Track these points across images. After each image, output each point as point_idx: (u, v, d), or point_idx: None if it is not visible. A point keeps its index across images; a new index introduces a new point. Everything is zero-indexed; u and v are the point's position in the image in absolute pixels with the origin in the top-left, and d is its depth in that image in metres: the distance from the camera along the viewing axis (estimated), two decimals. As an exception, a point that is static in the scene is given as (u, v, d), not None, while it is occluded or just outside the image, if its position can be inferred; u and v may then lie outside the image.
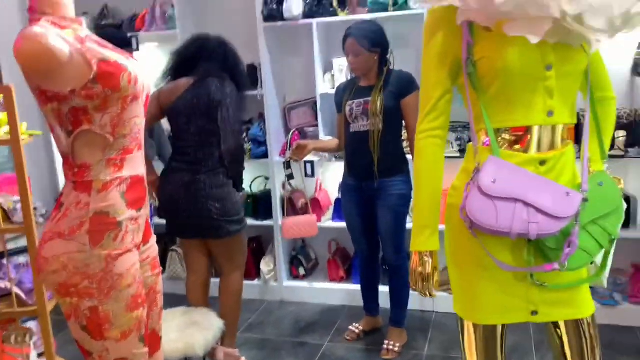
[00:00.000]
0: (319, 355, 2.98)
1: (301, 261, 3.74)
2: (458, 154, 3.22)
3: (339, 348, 3.06)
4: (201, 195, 2.48)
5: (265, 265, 3.71)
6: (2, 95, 1.91)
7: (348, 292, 3.58)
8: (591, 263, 1.43)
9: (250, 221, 3.34)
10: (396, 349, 2.94)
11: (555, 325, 1.43)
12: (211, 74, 2.51)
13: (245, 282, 3.55)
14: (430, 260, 1.43)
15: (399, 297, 3.00)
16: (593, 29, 1.24)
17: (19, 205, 1.95)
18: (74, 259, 1.38)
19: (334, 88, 3.40)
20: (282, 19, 3.31)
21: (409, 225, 2.95)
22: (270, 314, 3.52)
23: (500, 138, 1.36)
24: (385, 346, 2.96)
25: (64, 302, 1.42)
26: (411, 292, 3.18)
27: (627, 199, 3.10)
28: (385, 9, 3.16)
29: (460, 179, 1.42)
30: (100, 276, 1.39)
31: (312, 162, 3.43)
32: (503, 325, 1.46)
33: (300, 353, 3.00)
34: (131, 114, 1.44)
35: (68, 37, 1.33)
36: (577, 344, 1.41)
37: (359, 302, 3.41)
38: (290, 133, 3.49)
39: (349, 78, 3.11)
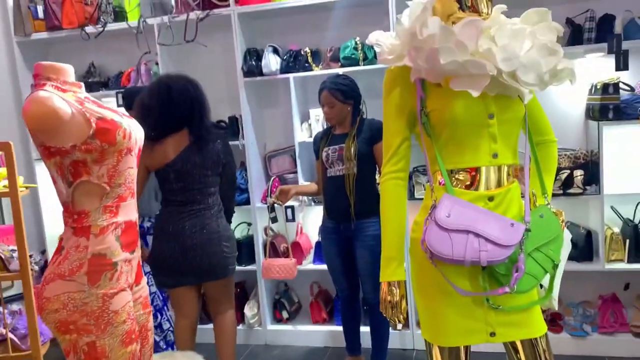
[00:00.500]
0: (304, 396, 3.06)
1: (284, 304, 3.84)
2: (430, 196, 3.42)
3: (323, 388, 3.15)
4: (216, 237, 2.66)
5: (249, 310, 3.81)
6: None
7: (331, 333, 3.68)
8: (541, 287, 1.60)
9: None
10: (379, 386, 3.04)
11: (513, 346, 1.59)
12: (209, 133, 2.67)
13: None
14: (398, 290, 1.59)
15: (380, 335, 3.12)
16: (526, 83, 1.46)
17: (15, 254, 2.07)
18: (73, 298, 1.51)
19: (311, 137, 3.62)
20: (261, 74, 3.54)
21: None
22: (256, 358, 3.60)
23: (453, 178, 1.54)
24: (368, 384, 3.06)
25: (64, 339, 1.54)
26: (392, 330, 3.31)
27: (589, 233, 3.31)
28: (357, 64, 3.41)
29: (421, 215, 1.60)
30: (97, 313, 1.52)
31: (292, 207, 3.59)
32: (466, 348, 1.61)
33: (285, 394, 3.08)
34: (125, 165, 1.60)
35: (69, 99, 1.51)
36: None
37: (342, 342, 3.50)
38: (271, 180, 3.67)
39: (325, 127, 3.31)
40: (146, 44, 3.71)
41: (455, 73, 1.46)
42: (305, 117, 3.70)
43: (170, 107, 2.56)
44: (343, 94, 2.90)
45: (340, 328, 3.54)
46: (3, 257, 2.06)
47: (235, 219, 3.78)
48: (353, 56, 3.40)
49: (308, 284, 3.90)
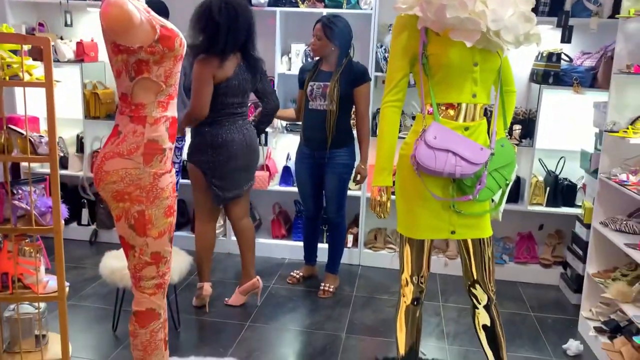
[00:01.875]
0: (266, 295, 3.52)
1: (247, 220, 4.24)
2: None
3: (283, 290, 3.62)
4: (256, 149, 3.15)
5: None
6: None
7: (288, 247, 4.14)
8: (492, 201, 2.09)
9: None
10: (331, 289, 3.55)
11: (465, 244, 2.08)
12: (251, 52, 3.00)
13: (191, 235, 4.01)
14: (385, 193, 2.03)
15: (336, 249, 3.61)
16: (506, 41, 1.89)
17: (43, 139, 2.32)
18: (130, 173, 1.83)
19: (290, 69, 3.95)
20: (250, 3, 3.77)
21: (348, 192, 3.58)
22: (219, 263, 4.00)
23: (440, 109, 1.97)
24: (322, 288, 3.56)
25: (117, 207, 1.87)
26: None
27: (518, 179, 3.90)
28: (340, 6, 3.74)
29: (410, 137, 2.03)
30: (148, 187, 1.86)
31: (266, 132, 3.93)
32: (430, 241, 2.09)
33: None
34: (177, 69, 1.90)
35: (139, 6, 1.78)
36: (479, 256, 2.07)
37: (298, 255, 3.99)
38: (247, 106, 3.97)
39: (314, 60, 3.56)
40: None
41: (455, 26, 1.86)
42: (286, 51, 4.00)
43: (237, 27, 2.84)
44: (331, 32, 3.22)
45: (297, 243, 4.06)
46: (32, 141, 2.30)
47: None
48: (337, -1, 3.71)
49: (270, 203, 4.31)
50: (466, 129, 1.96)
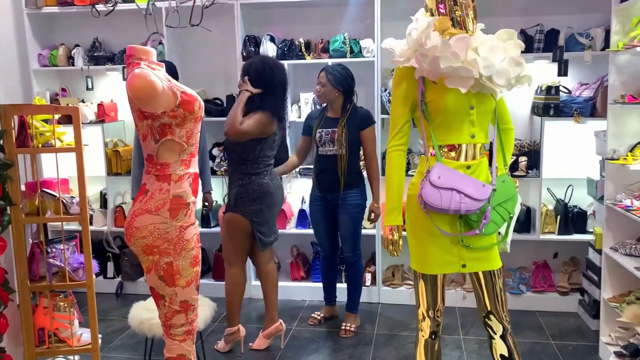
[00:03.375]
0: (289, 337, 3.60)
1: (266, 264, 4.35)
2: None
3: (305, 331, 3.70)
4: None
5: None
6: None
7: (308, 289, 4.24)
8: (499, 234, 2.20)
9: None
10: (352, 329, 3.63)
11: (477, 276, 2.18)
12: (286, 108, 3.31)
13: (218, 282, 4.16)
14: (397, 232, 2.15)
15: (355, 288, 3.70)
16: (498, 85, 2.04)
17: (74, 200, 2.50)
18: (158, 228, 1.98)
19: (300, 117, 4.13)
20: (259, 58, 4.01)
21: (363, 231, 3.70)
22: (242, 308, 4.09)
23: (442, 151, 2.11)
24: (343, 327, 3.64)
25: (147, 260, 2.02)
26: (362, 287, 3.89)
27: (528, 209, 4.00)
28: (344, 56, 3.94)
29: (417, 178, 2.16)
30: (175, 240, 2.00)
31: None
32: (443, 276, 2.19)
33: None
34: (197, 129, 2.08)
35: (160, 75, 1.97)
36: (491, 287, 2.16)
37: (318, 296, 4.08)
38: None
39: (319, 107, 3.78)
40: (154, 25, 4.09)
41: (449, 74, 2.02)
42: (295, 100, 4.21)
43: (285, 89, 3.17)
44: (335, 79, 3.41)
45: (317, 285, 4.15)
46: (65, 202, 2.47)
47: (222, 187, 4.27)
48: (341, 49, 3.92)
49: (289, 246, 4.43)
50: (468, 167, 2.09)
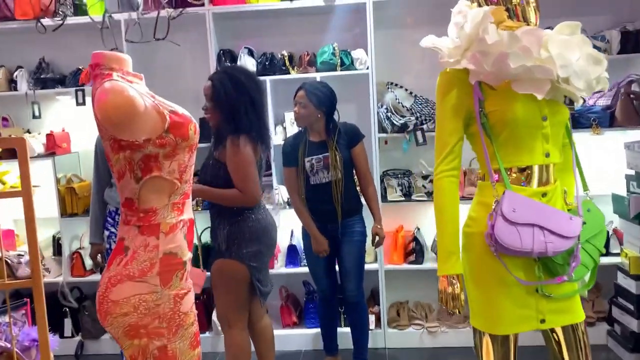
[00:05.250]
0: (289, 399, 3.05)
1: (252, 309, 3.79)
2: (402, 198, 3.56)
3: (307, 390, 3.15)
4: None
5: (216, 316, 3.72)
6: None
7: (303, 336, 3.69)
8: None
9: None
10: (364, 383, 3.10)
11: (554, 332, 1.72)
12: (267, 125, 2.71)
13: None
14: (458, 282, 1.66)
15: (361, 331, 3.19)
16: (577, 89, 1.60)
17: (22, 259, 1.91)
18: (145, 300, 1.43)
19: (285, 139, 3.63)
20: (237, 75, 3.50)
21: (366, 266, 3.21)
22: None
23: (509, 175, 1.65)
24: (353, 382, 3.11)
25: (131, 345, 1.45)
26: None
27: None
28: (333, 69, 3.48)
29: (476, 211, 1.69)
30: (169, 315, 1.45)
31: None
32: (515, 335, 1.72)
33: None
34: (192, 161, 1.55)
35: (141, 90, 1.44)
36: (574, 344, 1.70)
37: (315, 345, 3.56)
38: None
39: (296, 132, 3.24)
40: (112, 40, 3.52)
41: (518, 77, 1.57)
42: (279, 120, 3.71)
43: (262, 101, 2.58)
44: (317, 99, 2.94)
45: (312, 331, 3.63)
46: (9, 262, 1.88)
47: (205, 223, 3.72)
48: (331, 61, 3.46)
49: (277, 287, 3.88)
50: (544, 195, 1.64)
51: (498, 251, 1.59)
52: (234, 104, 2.46)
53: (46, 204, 3.76)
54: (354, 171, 3.11)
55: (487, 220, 1.60)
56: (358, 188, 3.23)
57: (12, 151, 3.72)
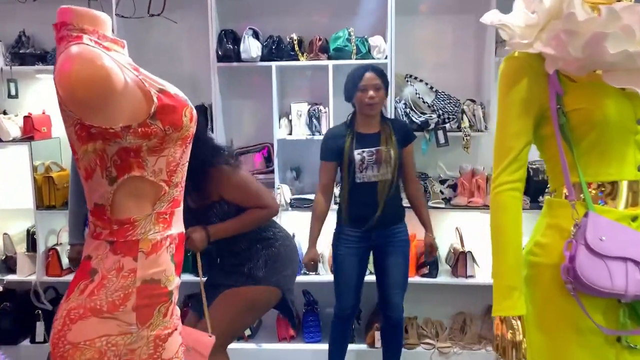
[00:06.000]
0: None
1: (246, 320, 3.42)
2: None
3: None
4: None
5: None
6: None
7: (300, 352, 3.33)
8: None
9: (186, 277, 3.02)
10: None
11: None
12: None
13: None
14: (520, 326, 1.31)
15: (398, 356, 2.86)
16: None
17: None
18: (115, 344, 1.06)
19: (290, 133, 3.27)
20: (239, 59, 3.13)
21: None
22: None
23: (592, 192, 1.29)
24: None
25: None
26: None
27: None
28: (348, 57, 3.11)
29: (548, 236, 1.33)
30: (147, 364, 1.09)
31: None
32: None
33: None
34: (186, 158, 1.18)
35: (121, 60, 1.06)
36: None
37: (313, 362, 3.21)
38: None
39: (343, 123, 2.76)
40: (101, 14, 3.13)
41: (613, 66, 1.21)
42: (284, 112, 3.33)
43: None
44: (386, 83, 2.64)
45: (311, 346, 3.28)
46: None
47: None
48: (345, 48, 3.10)
49: (273, 296, 3.52)
50: (634, 219, 1.28)
51: (576, 290, 1.23)
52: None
53: (21, 193, 3.39)
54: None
55: (564, 249, 1.25)
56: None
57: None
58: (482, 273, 3.26)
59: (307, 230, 3.44)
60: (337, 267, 2.78)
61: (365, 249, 2.72)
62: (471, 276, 3.25)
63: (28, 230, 3.51)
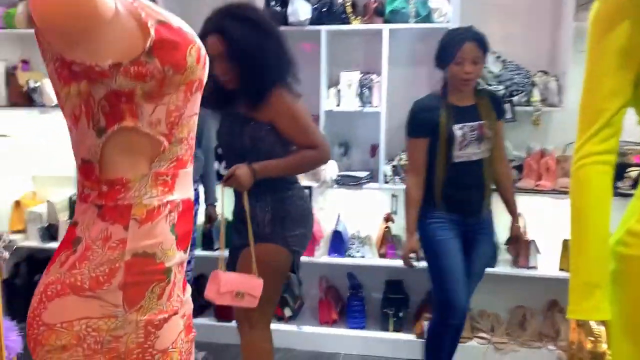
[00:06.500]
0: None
1: (286, 299, 3.25)
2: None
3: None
4: None
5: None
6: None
7: (342, 337, 3.13)
8: None
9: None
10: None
11: None
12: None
13: (221, 323, 3.07)
14: (604, 334, 1.04)
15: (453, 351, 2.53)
16: None
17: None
18: (97, 328, 0.88)
19: (338, 105, 3.04)
20: (286, 23, 2.91)
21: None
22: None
23: None
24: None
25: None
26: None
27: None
28: (406, 20, 2.83)
29: (644, 222, 1.05)
30: (135, 354, 0.90)
31: (309, 188, 2.99)
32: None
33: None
34: (193, 109, 0.97)
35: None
36: None
37: (356, 349, 3.02)
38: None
39: (428, 94, 2.44)
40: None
41: None
42: (333, 82, 3.09)
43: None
44: (485, 50, 2.27)
45: (354, 332, 3.12)
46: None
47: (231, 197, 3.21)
48: (403, 10, 2.82)
49: (315, 278, 3.33)
50: None
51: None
52: (262, 51, 1.92)
53: (64, 160, 3.32)
54: None
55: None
56: None
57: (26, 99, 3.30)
58: (545, 264, 2.95)
59: (354, 210, 3.23)
60: (442, 257, 2.34)
61: (462, 236, 2.36)
62: (533, 267, 2.95)
63: (70, 198, 3.46)
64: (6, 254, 1.38)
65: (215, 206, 2.97)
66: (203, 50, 0.95)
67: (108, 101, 0.88)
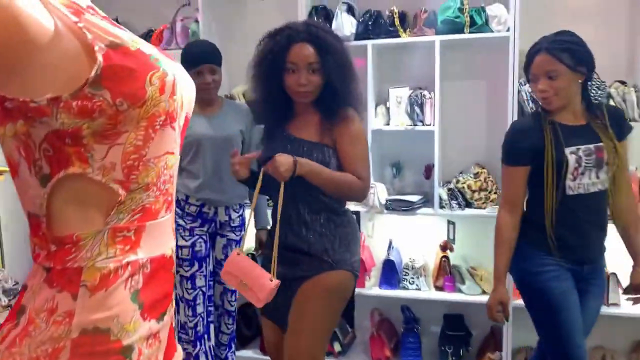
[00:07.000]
0: None
1: (336, 334, 3.04)
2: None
3: None
4: None
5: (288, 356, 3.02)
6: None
7: (397, 377, 2.88)
8: None
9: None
10: None
11: None
12: None
13: (266, 357, 2.89)
14: None
15: None
16: None
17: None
18: None
19: (387, 124, 2.81)
20: (332, 38, 2.73)
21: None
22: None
23: None
24: None
25: None
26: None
27: None
28: (460, 31, 2.58)
29: None
30: None
31: (357, 213, 2.77)
32: None
33: None
34: (161, 148, 0.80)
35: (55, 3, 0.71)
36: None
37: (412, 391, 2.74)
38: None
39: (532, 111, 2.15)
40: (187, -2, 2.93)
41: None
42: (382, 99, 2.88)
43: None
44: (574, 56, 1.84)
45: None
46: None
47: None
48: (457, 20, 2.57)
49: (367, 311, 3.10)
50: None
51: None
52: (351, 70, 1.90)
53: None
54: None
55: None
56: None
57: None
58: (628, 301, 2.58)
59: (404, 237, 2.99)
60: (560, 313, 1.93)
61: (575, 286, 1.95)
62: (614, 304, 2.58)
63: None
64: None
65: (266, 230, 2.83)
66: (169, 77, 0.77)
67: (50, 144, 0.72)
